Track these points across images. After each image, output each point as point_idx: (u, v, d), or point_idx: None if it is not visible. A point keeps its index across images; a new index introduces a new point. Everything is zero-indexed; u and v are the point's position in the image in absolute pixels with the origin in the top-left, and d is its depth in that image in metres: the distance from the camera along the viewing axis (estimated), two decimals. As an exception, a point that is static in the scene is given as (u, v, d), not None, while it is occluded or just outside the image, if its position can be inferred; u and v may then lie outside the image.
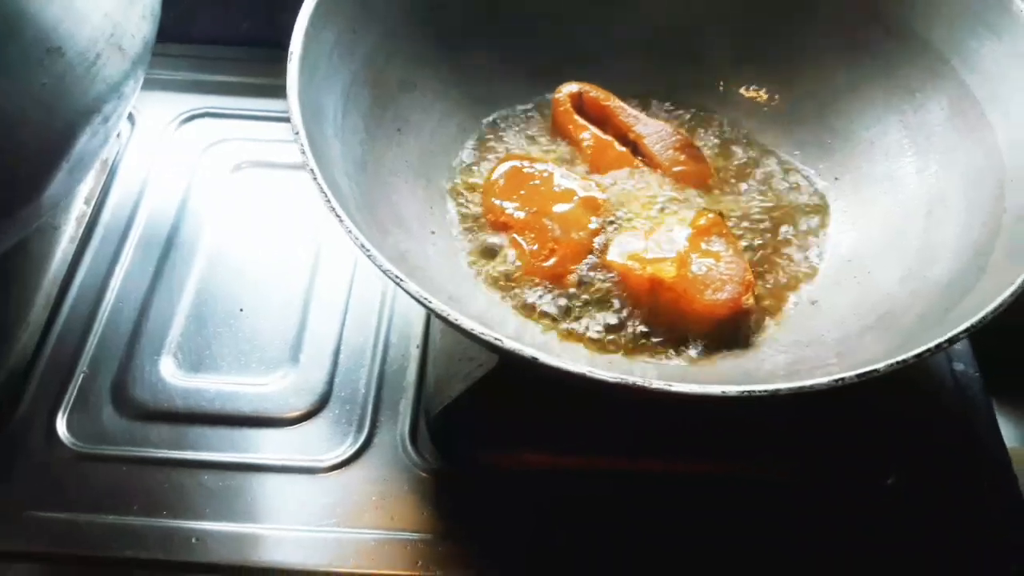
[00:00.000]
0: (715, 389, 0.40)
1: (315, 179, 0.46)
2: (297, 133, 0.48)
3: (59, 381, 0.59)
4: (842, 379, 0.41)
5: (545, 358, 0.41)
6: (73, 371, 0.59)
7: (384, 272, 0.43)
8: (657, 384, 0.40)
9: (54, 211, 0.58)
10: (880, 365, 0.41)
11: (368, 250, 0.44)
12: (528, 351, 0.41)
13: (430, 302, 0.42)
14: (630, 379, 0.40)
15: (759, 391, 0.40)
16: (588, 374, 0.40)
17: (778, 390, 0.40)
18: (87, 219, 0.67)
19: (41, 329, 0.61)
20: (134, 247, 0.66)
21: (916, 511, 0.55)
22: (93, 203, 0.68)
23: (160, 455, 0.56)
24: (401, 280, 0.43)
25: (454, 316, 0.42)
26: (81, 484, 0.55)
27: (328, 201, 0.45)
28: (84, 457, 0.56)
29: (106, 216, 0.67)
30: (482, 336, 0.42)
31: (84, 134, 0.51)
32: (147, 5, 0.56)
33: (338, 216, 0.45)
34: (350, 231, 0.44)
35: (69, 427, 0.57)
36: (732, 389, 0.40)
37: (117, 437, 0.57)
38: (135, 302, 0.63)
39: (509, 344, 0.41)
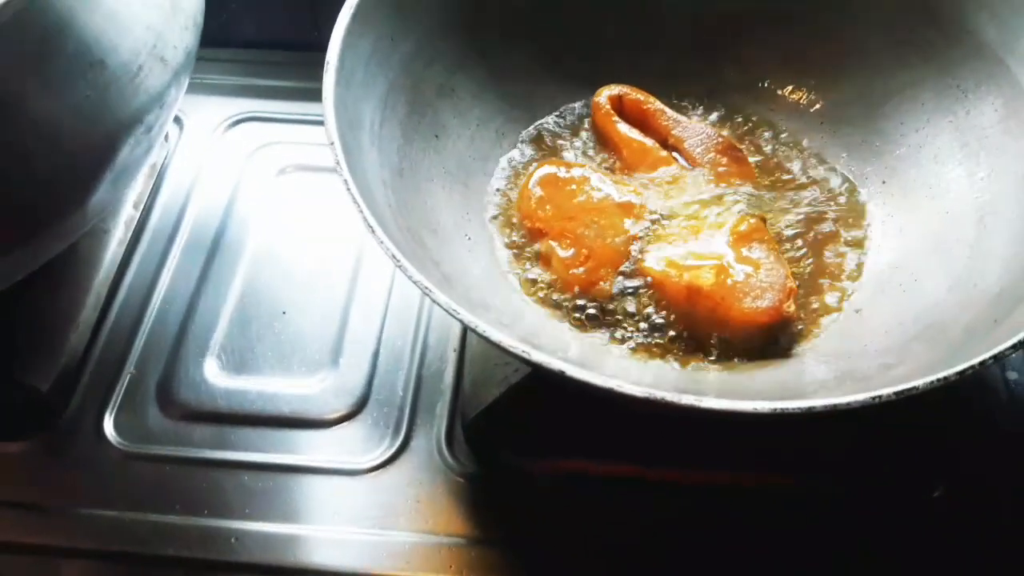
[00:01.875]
0: (746, 406, 0.39)
1: (349, 190, 0.46)
2: (332, 143, 0.48)
3: (107, 381, 0.61)
4: (879, 396, 0.39)
5: (572, 371, 0.41)
6: (121, 371, 0.61)
7: (415, 283, 0.44)
8: (686, 400, 0.39)
9: (102, 217, 0.59)
10: (920, 383, 0.40)
11: (400, 262, 0.44)
12: (556, 364, 0.41)
13: (459, 313, 0.42)
14: (658, 394, 0.40)
15: (792, 409, 0.39)
16: (616, 388, 0.40)
17: (812, 408, 0.39)
18: (136, 222, 0.68)
19: (91, 330, 0.63)
20: (181, 250, 0.67)
21: (963, 525, 0.53)
22: (142, 207, 0.69)
23: (202, 455, 0.57)
24: (431, 292, 0.43)
25: (482, 328, 0.42)
26: (126, 482, 0.56)
27: (361, 212, 0.45)
28: (130, 456, 0.57)
29: (154, 219, 0.69)
30: (510, 349, 0.42)
31: (127, 144, 0.52)
32: (189, 16, 0.57)
33: (371, 227, 0.45)
34: (383, 243, 0.45)
35: (116, 426, 0.59)
36: (764, 406, 0.39)
37: (161, 437, 0.58)
38: (181, 304, 0.64)
39: (537, 357, 0.41)
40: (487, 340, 0.43)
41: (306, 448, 0.57)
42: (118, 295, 0.65)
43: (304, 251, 0.67)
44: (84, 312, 0.63)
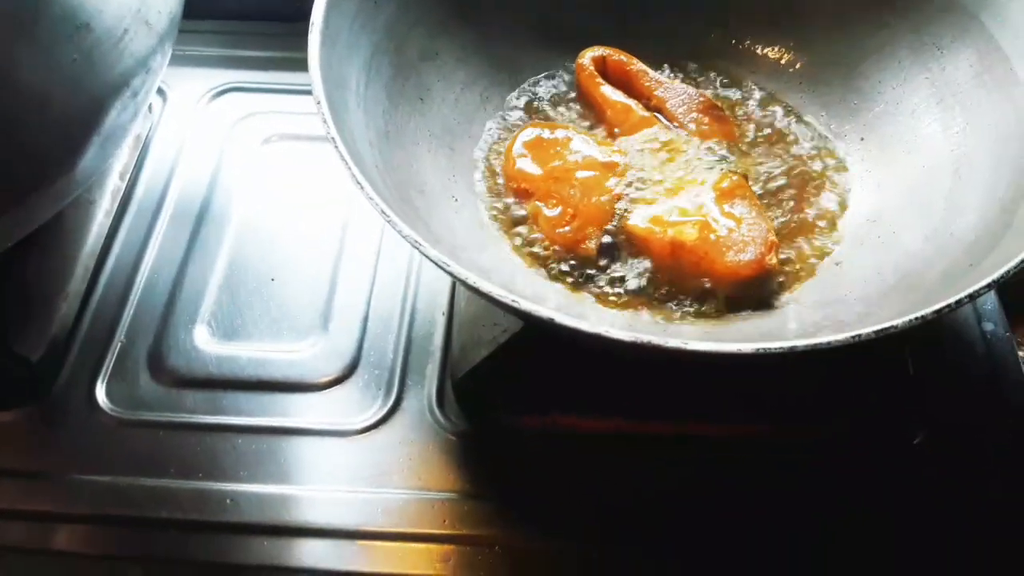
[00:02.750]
0: (730, 346, 0.40)
1: (336, 148, 0.47)
2: (319, 103, 0.49)
3: (98, 350, 0.61)
4: (859, 335, 0.41)
5: (561, 318, 0.41)
6: (111, 340, 0.61)
7: (405, 238, 0.44)
8: (672, 343, 0.40)
9: (89, 184, 0.59)
10: (898, 321, 0.41)
11: (389, 217, 0.44)
12: (545, 312, 0.42)
13: (450, 266, 0.43)
14: (644, 338, 0.40)
15: (774, 348, 0.40)
16: (604, 334, 0.41)
17: (794, 347, 0.40)
18: (122, 193, 0.68)
19: (80, 300, 0.63)
20: (168, 219, 0.67)
21: (943, 471, 0.55)
22: (127, 177, 0.69)
23: (195, 420, 0.58)
24: (421, 245, 0.44)
25: (473, 279, 0.43)
26: (120, 448, 0.57)
27: (350, 169, 0.46)
28: (123, 423, 0.58)
29: (140, 190, 0.69)
30: (500, 299, 0.42)
31: (114, 108, 0.53)
32: (173, -20, 0.57)
33: (359, 184, 0.46)
34: (372, 199, 0.45)
35: (108, 394, 0.59)
36: (747, 346, 0.40)
37: (154, 403, 0.59)
38: (169, 273, 0.65)
39: (526, 306, 0.42)
40: (477, 292, 0.43)
41: (298, 411, 0.58)
42: (106, 265, 0.65)
43: (291, 219, 0.68)
44: (73, 282, 0.63)
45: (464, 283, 0.43)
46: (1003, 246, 0.47)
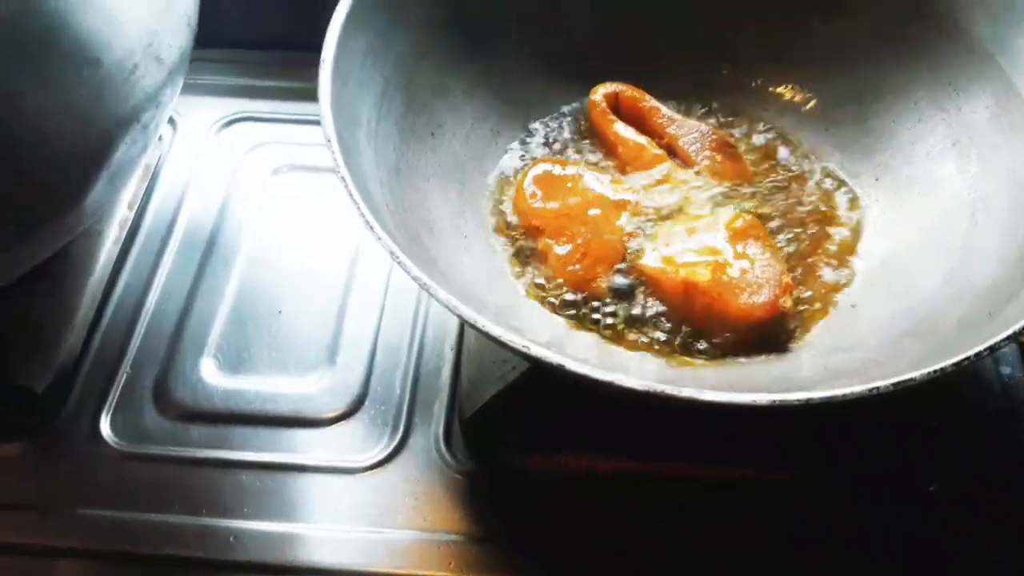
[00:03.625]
0: (744, 397, 0.40)
1: (347, 187, 0.46)
2: (329, 141, 0.48)
3: (103, 381, 0.60)
4: (877, 388, 0.40)
5: (572, 365, 0.41)
6: (117, 372, 0.61)
7: (413, 278, 0.44)
8: (686, 392, 0.40)
9: (97, 217, 0.59)
10: (916, 374, 0.40)
11: (398, 257, 0.44)
12: (555, 358, 0.41)
13: (458, 308, 0.43)
14: (657, 387, 0.40)
15: (791, 400, 0.39)
16: (616, 382, 0.40)
17: (810, 399, 0.39)
18: (130, 223, 0.68)
19: (86, 330, 0.62)
20: (176, 250, 0.67)
21: (959, 519, 0.54)
22: (136, 208, 0.69)
23: (200, 455, 0.57)
24: (430, 287, 0.43)
25: (482, 323, 0.42)
26: (124, 482, 0.56)
27: (359, 209, 0.46)
28: (127, 456, 0.57)
29: (148, 220, 0.69)
30: (510, 343, 0.42)
31: (123, 143, 0.52)
32: (184, 14, 0.57)
33: (369, 224, 0.45)
34: (380, 239, 0.45)
35: (113, 426, 0.58)
36: (763, 398, 0.39)
37: (158, 437, 0.58)
38: (177, 304, 0.64)
39: (536, 351, 0.41)
40: (487, 335, 0.43)
41: (304, 447, 0.57)
42: (113, 296, 0.64)
43: (300, 251, 0.67)
44: (79, 313, 0.63)
45: (473, 326, 0.43)
46: (1021, 297, 0.47)
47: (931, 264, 0.54)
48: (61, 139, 0.49)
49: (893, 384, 0.40)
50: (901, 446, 0.55)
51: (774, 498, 0.54)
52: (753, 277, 0.54)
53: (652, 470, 0.56)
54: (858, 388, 0.40)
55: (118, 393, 0.60)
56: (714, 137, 0.62)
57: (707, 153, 0.61)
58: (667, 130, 0.62)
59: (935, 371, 0.40)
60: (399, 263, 0.44)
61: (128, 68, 0.52)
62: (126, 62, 0.52)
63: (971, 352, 0.41)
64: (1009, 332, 0.42)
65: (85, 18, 0.49)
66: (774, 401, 0.39)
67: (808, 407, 0.39)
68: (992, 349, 0.41)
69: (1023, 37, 0.55)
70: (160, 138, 0.73)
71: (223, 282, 0.65)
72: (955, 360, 0.41)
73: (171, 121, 0.75)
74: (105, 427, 0.58)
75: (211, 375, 0.60)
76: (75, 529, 0.54)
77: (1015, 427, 0.58)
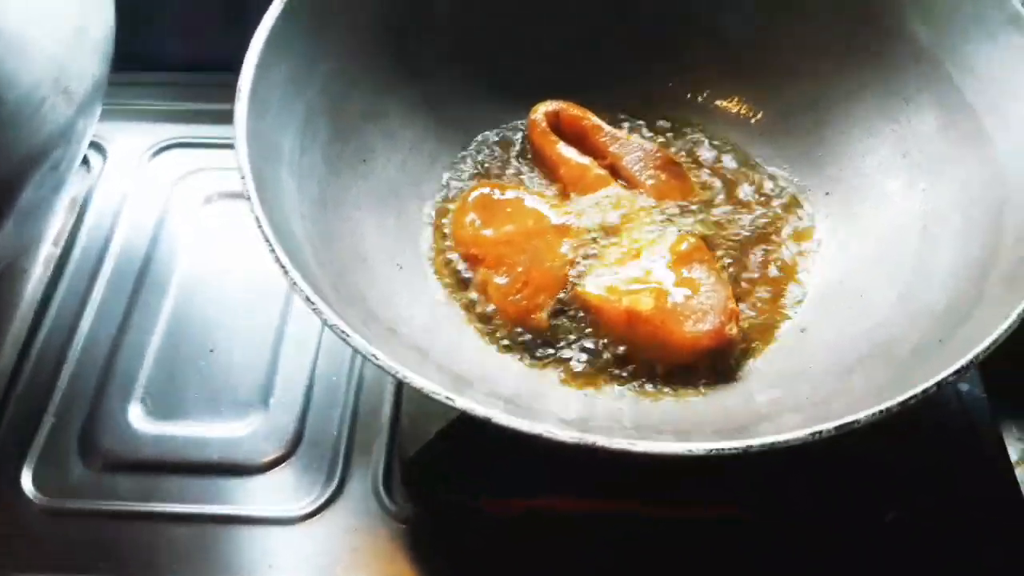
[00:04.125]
0: (680, 447, 0.37)
1: (260, 227, 0.44)
2: (243, 178, 0.46)
3: (26, 431, 0.57)
4: (819, 432, 0.38)
5: (499, 418, 0.38)
6: (40, 419, 0.58)
7: (330, 327, 0.41)
8: (618, 444, 0.37)
9: (8, 259, 0.56)
10: (861, 415, 0.38)
11: (314, 305, 0.41)
12: (481, 411, 0.39)
13: (377, 359, 0.40)
14: (589, 439, 0.38)
15: (728, 450, 0.37)
16: (544, 434, 0.38)
17: (748, 447, 0.37)
18: (56, 260, 0.65)
19: (8, 376, 0.60)
20: (104, 287, 0.64)
21: (915, 550, 0.52)
22: (63, 243, 0.66)
23: (128, 508, 0.54)
24: (347, 335, 0.41)
25: (403, 373, 0.40)
26: (47, 540, 0.53)
27: (272, 250, 0.43)
28: (50, 512, 0.54)
29: (76, 255, 0.66)
30: (433, 395, 0.39)
31: (31, 183, 0.50)
32: (96, 42, 0.54)
33: (282, 267, 0.42)
34: (294, 283, 0.42)
35: (35, 480, 0.55)
36: (699, 447, 0.37)
37: (84, 490, 0.55)
38: (105, 344, 0.61)
39: (462, 403, 0.39)
40: (411, 385, 0.40)
41: (237, 497, 0.55)
42: (37, 337, 0.62)
43: (233, 283, 0.64)
44: (2, 358, 0.60)
45: (395, 376, 0.40)
46: (975, 319, 0.45)
47: (883, 282, 0.53)
48: (-43, 184, 0.46)
49: (835, 428, 0.38)
50: (854, 476, 0.53)
51: (726, 532, 0.52)
52: (698, 304, 0.51)
53: (600, 508, 0.53)
54: (800, 433, 0.38)
55: (42, 443, 0.57)
56: (659, 155, 0.60)
57: (651, 172, 0.59)
58: (610, 149, 0.60)
59: (880, 411, 0.38)
60: (314, 311, 0.41)
61: (34, 103, 0.49)
62: (31, 97, 0.49)
63: (918, 389, 0.39)
64: (958, 366, 0.40)
65: (-18, 53, 0.46)
66: (711, 451, 0.37)
67: (747, 455, 0.37)
68: (940, 385, 0.39)
69: (970, 44, 0.54)
70: (89, 168, 0.70)
71: (153, 319, 0.62)
72: (901, 399, 0.39)
73: (100, 148, 0.72)
74: (27, 480, 0.55)
75: (139, 421, 0.58)
76: (-5, 593, 0.52)
77: (974, 446, 0.56)
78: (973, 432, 0.57)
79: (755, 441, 0.37)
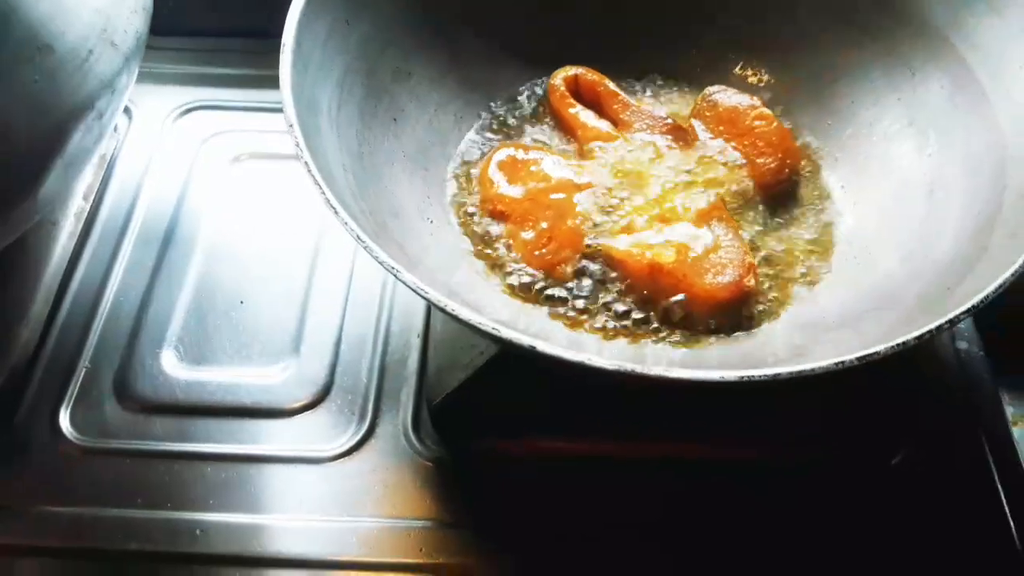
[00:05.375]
0: (713, 374, 0.40)
1: (309, 172, 0.46)
2: (291, 126, 0.48)
3: (61, 376, 0.59)
4: (842, 362, 0.40)
5: (543, 346, 0.41)
6: (75, 366, 0.60)
7: (381, 263, 0.43)
8: (656, 370, 0.40)
9: (51, 208, 0.57)
10: (881, 348, 0.41)
11: (364, 242, 0.44)
12: (526, 340, 0.41)
13: (427, 293, 0.42)
14: (628, 366, 0.40)
15: (758, 376, 0.40)
16: (587, 362, 0.40)
17: (778, 375, 0.40)
18: (86, 215, 0.67)
19: (42, 325, 0.61)
20: (133, 241, 0.66)
21: (921, 491, 0.55)
22: (92, 199, 0.67)
23: (163, 448, 0.56)
24: (398, 271, 0.43)
25: (452, 307, 0.42)
26: (85, 478, 0.55)
27: (323, 194, 0.45)
28: (88, 451, 0.56)
29: (105, 211, 0.67)
30: (479, 326, 0.42)
31: (78, 131, 0.51)
32: (138, 0, 0.56)
33: (334, 208, 0.45)
34: (346, 223, 0.44)
35: (72, 422, 0.57)
36: (731, 374, 0.40)
37: (120, 431, 0.57)
38: (135, 296, 0.63)
39: (507, 333, 0.41)
40: (457, 320, 0.42)
41: (269, 438, 0.57)
42: (70, 289, 0.63)
43: (261, 240, 0.66)
44: (34, 307, 0.62)
45: (443, 311, 0.43)
46: (978, 270, 0.47)
47: (891, 242, 0.55)
48: (13, 129, 0.47)
49: (858, 358, 0.40)
50: (863, 421, 0.56)
51: (741, 475, 0.55)
52: (717, 258, 0.54)
53: (618, 451, 0.56)
54: (825, 363, 0.40)
55: (77, 387, 0.59)
56: (668, 122, 0.62)
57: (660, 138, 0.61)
58: (621, 116, 0.62)
59: (899, 344, 0.41)
60: (366, 248, 0.43)
61: (82, 54, 0.51)
62: (80, 48, 0.51)
63: (932, 325, 0.42)
64: (968, 306, 0.43)
65: (37, 4, 0.48)
66: (742, 377, 0.39)
67: (776, 382, 0.40)
68: (952, 322, 0.42)
69: (975, 16, 0.56)
70: (116, 128, 0.72)
71: (183, 272, 0.64)
72: (918, 333, 0.41)
73: (126, 110, 0.73)
74: (65, 422, 0.57)
75: (172, 367, 0.59)
76: (37, 527, 0.53)
77: (972, 402, 0.59)
78: (972, 390, 0.60)
79: (784, 368, 0.40)
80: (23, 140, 0.48)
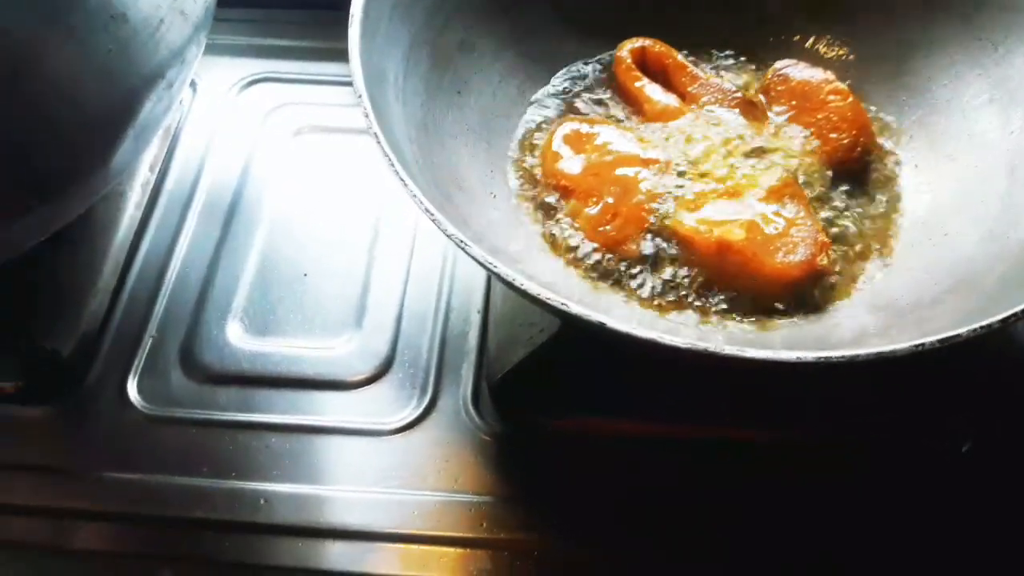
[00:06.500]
0: (790, 355, 0.39)
1: (379, 143, 0.46)
2: (360, 97, 0.47)
3: (129, 345, 0.60)
4: (923, 345, 0.39)
5: (612, 323, 0.40)
6: (142, 336, 0.60)
7: (449, 236, 0.43)
8: (729, 350, 0.39)
9: (121, 178, 0.58)
10: (963, 330, 0.40)
11: (433, 215, 0.43)
12: (595, 316, 0.40)
13: (496, 267, 0.42)
14: (701, 345, 0.39)
15: (836, 357, 0.39)
16: (658, 340, 0.40)
17: (856, 356, 0.39)
18: (152, 185, 0.67)
19: (110, 294, 0.62)
20: (198, 213, 0.66)
21: (993, 478, 0.53)
22: (157, 169, 0.68)
23: (227, 418, 0.57)
24: (467, 245, 0.43)
25: (520, 281, 0.42)
26: (151, 446, 0.56)
27: (393, 166, 0.45)
28: (154, 420, 0.57)
29: (170, 182, 0.68)
30: (548, 301, 0.41)
31: (149, 100, 0.52)
32: (207, -31, 0.56)
33: (403, 181, 0.44)
34: (415, 195, 0.44)
35: (140, 390, 0.58)
36: (808, 355, 0.39)
37: (185, 400, 0.58)
38: (200, 267, 0.64)
39: (576, 309, 0.41)
40: (524, 294, 0.42)
41: (332, 409, 0.57)
42: (136, 259, 0.64)
43: (323, 213, 0.66)
44: (103, 277, 0.62)
45: (511, 285, 0.42)
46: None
47: (969, 222, 0.54)
48: (87, 96, 0.48)
49: (939, 341, 0.39)
50: (933, 406, 0.54)
51: (806, 460, 0.54)
52: (789, 236, 0.53)
53: (676, 432, 0.55)
54: (904, 345, 0.39)
55: (144, 356, 0.60)
56: (737, 95, 0.61)
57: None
58: (689, 89, 0.61)
59: (982, 327, 0.40)
60: (435, 221, 0.43)
61: (154, 23, 0.51)
62: (152, 17, 0.51)
63: (1018, 308, 0.40)
64: (1057, 288, 0.41)
65: (109, -28, 0.48)
66: (819, 359, 0.38)
67: (853, 365, 0.39)
68: (1039, 306, 0.40)
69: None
70: (180, 100, 0.72)
71: (247, 245, 0.65)
72: (1003, 316, 0.40)
73: (191, 83, 0.74)
74: (132, 390, 0.58)
75: (237, 338, 0.60)
76: (103, 493, 0.54)
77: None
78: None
79: (862, 351, 0.39)
80: (97, 109, 0.49)
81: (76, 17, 0.47)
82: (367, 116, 0.46)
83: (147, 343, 0.60)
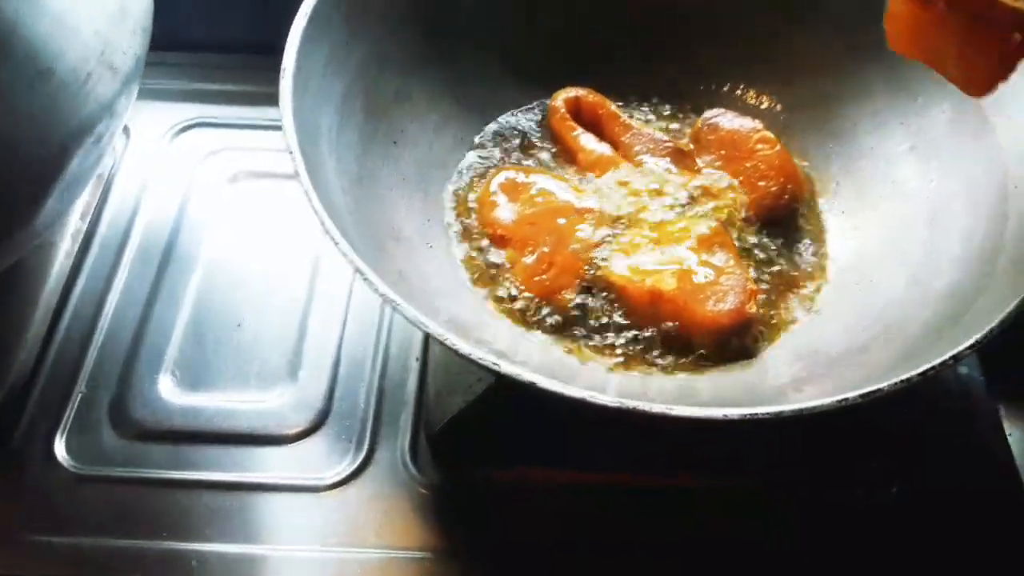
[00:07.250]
0: (717, 412, 0.40)
1: (309, 200, 0.45)
2: (292, 153, 0.47)
3: (57, 401, 0.59)
4: (846, 399, 0.40)
5: (543, 382, 0.40)
6: (71, 390, 0.59)
7: (381, 295, 0.43)
8: (657, 408, 0.39)
9: (51, 231, 0.57)
10: (884, 384, 0.41)
11: (364, 275, 0.43)
12: (526, 376, 0.41)
13: (427, 326, 0.42)
14: (630, 403, 0.40)
15: (762, 413, 0.39)
16: (588, 398, 0.40)
17: (781, 412, 0.39)
18: (83, 234, 0.66)
19: (39, 347, 0.61)
20: (131, 261, 0.65)
21: (921, 519, 0.55)
22: (89, 218, 0.67)
23: (159, 476, 0.56)
24: (397, 304, 0.42)
25: (451, 340, 0.42)
26: (80, 506, 0.55)
27: (323, 224, 0.45)
28: (83, 479, 0.56)
29: (102, 230, 0.67)
30: (480, 361, 0.41)
31: (78, 154, 0.51)
32: (137, 20, 0.55)
33: (334, 240, 0.44)
34: (346, 255, 0.44)
35: (68, 448, 0.57)
36: (734, 412, 0.39)
37: (116, 458, 0.56)
38: (133, 318, 0.62)
39: (507, 368, 0.41)
40: (457, 354, 0.42)
41: (267, 465, 0.56)
42: (66, 310, 0.63)
43: (259, 260, 0.66)
44: (31, 329, 0.61)
45: (444, 344, 0.42)
46: (983, 300, 0.47)
47: (894, 268, 0.55)
48: (12, 152, 0.47)
49: (861, 395, 0.40)
50: (861, 449, 0.55)
51: (737, 504, 0.55)
52: (719, 285, 0.54)
53: (615, 480, 0.55)
54: (827, 400, 0.40)
55: (73, 412, 0.58)
56: (668, 145, 0.62)
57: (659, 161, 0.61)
58: (622, 138, 0.62)
59: (902, 381, 0.41)
60: (366, 280, 0.43)
61: (81, 78, 0.50)
62: (79, 71, 0.50)
63: (936, 361, 0.42)
64: (972, 341, 0.42)
65: (36, 26, 0.47)
66: (745, 415, 0.39)
67: (779, 420, 0.39)
68: (956, 358, 0.42)
69: (979, 44, 0.56)
70: (113, 147, 0.71)
71: (181, 294, 0.64)
72: (921, 370, 0.41)
73: (124, 128, 0.73)
74: (60, 448, 0.57)
75: (169, 392, 0.59)
76: (31, 556, 0.53)
77: (972, 427, 0.59)
78: (972, 412, 0.60)
79: (787, 407, 0.39)
80: (23, 165, 0.48)
81: (1, 72, 0.46)
82: (298, 173, 0.46)
83: (76, 398, 0.59)
